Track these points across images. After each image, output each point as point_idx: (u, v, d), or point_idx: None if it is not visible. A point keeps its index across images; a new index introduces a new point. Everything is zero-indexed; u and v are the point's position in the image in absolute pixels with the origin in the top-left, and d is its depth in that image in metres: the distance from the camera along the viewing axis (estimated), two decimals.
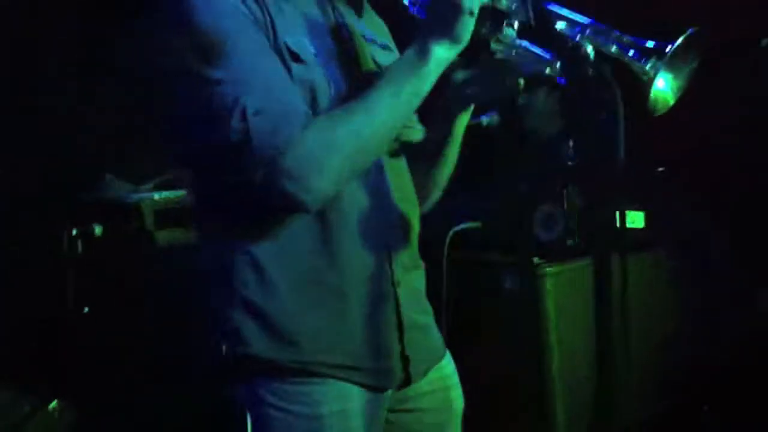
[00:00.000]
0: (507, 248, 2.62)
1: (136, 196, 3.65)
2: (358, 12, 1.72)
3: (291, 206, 1.46)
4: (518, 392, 2.47)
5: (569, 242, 2.62)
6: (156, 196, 3.61)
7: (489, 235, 2.65)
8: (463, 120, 1.69)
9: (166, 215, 3.56)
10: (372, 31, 1.74)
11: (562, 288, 2.60)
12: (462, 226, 2.64)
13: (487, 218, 2.69)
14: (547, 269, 2.59)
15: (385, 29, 1.82)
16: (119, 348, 3.37)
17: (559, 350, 2.57)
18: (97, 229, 3.57)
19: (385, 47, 1.74)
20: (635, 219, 2.71)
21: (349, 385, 1.55)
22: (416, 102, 1.48)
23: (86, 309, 3.47)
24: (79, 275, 3.44)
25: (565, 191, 2.60)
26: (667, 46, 1.40)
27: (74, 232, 3.49)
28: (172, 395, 3.02)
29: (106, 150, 3.88)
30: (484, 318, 2.68)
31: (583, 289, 2.57)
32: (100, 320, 3.44)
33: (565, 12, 1.45)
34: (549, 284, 2.59)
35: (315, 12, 1.60)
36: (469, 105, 1.67)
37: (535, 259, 2.56)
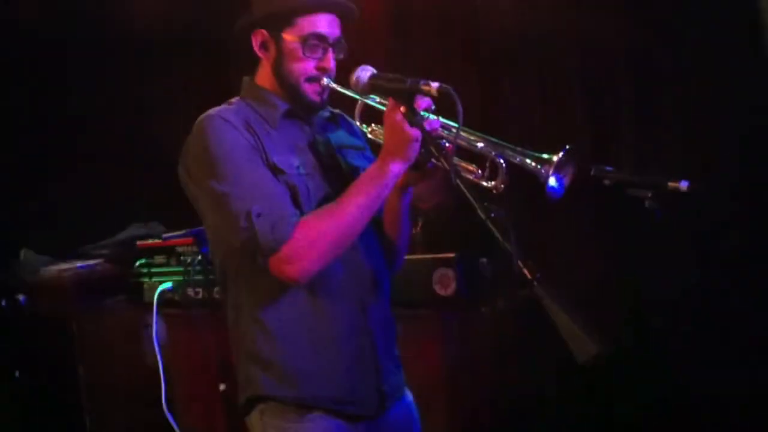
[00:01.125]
0: None
1: (55, 268, 3.94)
2: (336, 123, 2.23)
3: (290, 281, 1.96)
4: None
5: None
6: (76, 266, 3.92)
7: None
8: (406, 201, 2.16)
9: (85, 284, 3.87)
10: (347, 137, 2.22)
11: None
12: None
13: None
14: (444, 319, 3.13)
15: (359, 133, 2.25)
16: None
17: None
18: (22, 299, 3.84)
19: (359, 149, 2.24)
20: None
21: (335, 421, 2.01)
22: (380, 201, 2.00)
23: (17, 373, 3.72)
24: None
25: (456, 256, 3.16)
26: (554, 157, 1.96)
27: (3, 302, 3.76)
28: None
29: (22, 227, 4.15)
30: None
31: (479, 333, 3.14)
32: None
33: (481, 135, 2.00)
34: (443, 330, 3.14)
35: (297, 133, 2.11)
36: (408, 190, 2.14)
37: None
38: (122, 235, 4.02)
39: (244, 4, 2.17)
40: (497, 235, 1.83)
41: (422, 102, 1.94)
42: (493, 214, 1.86)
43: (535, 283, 1.74)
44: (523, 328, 3.04)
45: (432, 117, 1.97)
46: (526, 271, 1.78)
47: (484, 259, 3.22)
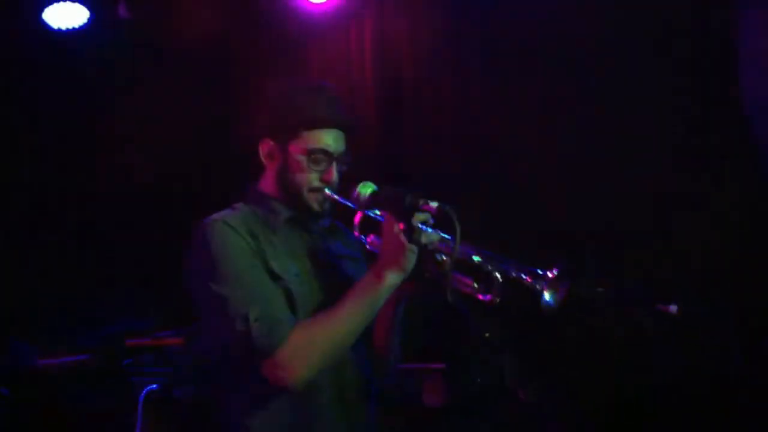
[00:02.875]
0: None
1: (42, 360, 3.90)
2: (334, 233, 2.27)
3: (282, 387, 1.96)
4: None
5: None
6: (64, 358, 3.89)
7: None
8: (399, 312, 2.19)
9: (71, 378, 3.84)
10: (344, 247, 2.26)
11: None
12: None
13: None
14: None
15: (356, 243, 2.27)
16: None
17: None
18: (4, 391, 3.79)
19: (355, 260, 2.26)
20: None
21: None
22: (374, 311, 2.03)
23: None
24: None
25: None
26: (548, 273, 2.00)
27: None
28: None
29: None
30: None
31: None
32: None
33: (478, 249, 2.04)
34: None
35: (297, 240, 2.15)
36: (402, 301, 2.18)
37: None
38: (112, 329, 4.00)
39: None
40: (490, 353, 1.85)
41: (420, 217, 1.99)
42: (487, 334, 1.89)
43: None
44: None
45: (429, 230, 2.02)
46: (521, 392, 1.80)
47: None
